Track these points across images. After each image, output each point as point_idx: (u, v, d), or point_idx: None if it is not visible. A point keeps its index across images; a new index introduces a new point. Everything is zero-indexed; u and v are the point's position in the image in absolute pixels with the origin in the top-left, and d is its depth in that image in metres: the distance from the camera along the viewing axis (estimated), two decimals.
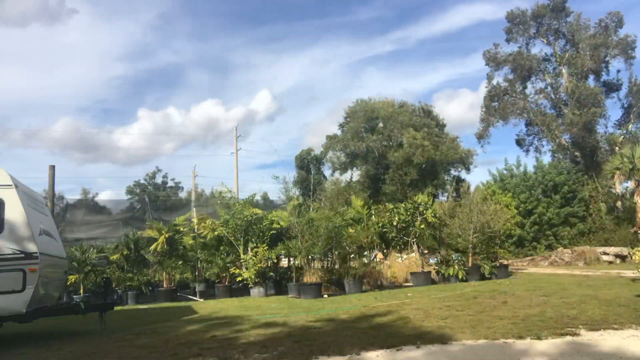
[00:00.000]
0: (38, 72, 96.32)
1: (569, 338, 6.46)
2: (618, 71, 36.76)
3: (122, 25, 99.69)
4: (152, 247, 18.01)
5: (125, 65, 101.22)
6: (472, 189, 27.63)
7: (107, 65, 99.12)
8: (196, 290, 18.31)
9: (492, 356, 5.72)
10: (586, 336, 6.51)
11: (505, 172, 33.74)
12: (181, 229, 19.71)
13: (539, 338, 6.47)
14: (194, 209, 26.28)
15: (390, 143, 37.93)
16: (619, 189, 32.72)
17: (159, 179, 57.52)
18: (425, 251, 20.87)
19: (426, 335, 6.98)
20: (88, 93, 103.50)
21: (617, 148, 33.63)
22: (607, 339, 6.28)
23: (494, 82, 38.09)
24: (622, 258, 24.21)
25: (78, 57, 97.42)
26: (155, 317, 11.65)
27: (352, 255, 17.44)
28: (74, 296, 16.00)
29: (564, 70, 36.11)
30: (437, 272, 17.35)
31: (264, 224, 17.57)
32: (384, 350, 6.22)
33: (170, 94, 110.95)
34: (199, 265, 19.32)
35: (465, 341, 6.55)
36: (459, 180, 36.11)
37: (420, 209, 18.31)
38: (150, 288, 18.28)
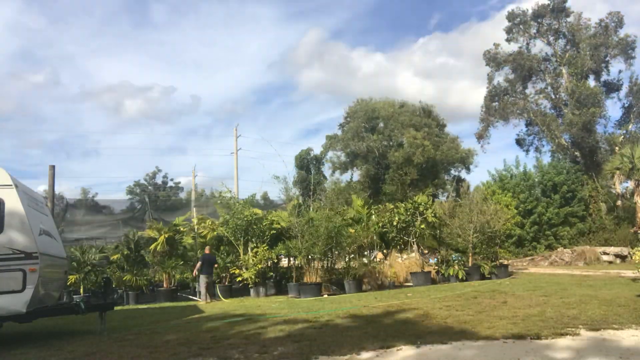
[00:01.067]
0: (199, 77, 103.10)
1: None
2: (620, 71, 36.78)
3: (290, 33, 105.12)
4: (152, 247, 18.01)
5: (266, 73, 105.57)
6: (472, 189, 27.62)
7: (253, 71, 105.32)
8: (196, 290, 18.31)
9: (494, 354, 5.73)
10: (586, 335, 6.52)
11: (504, 172, 33.75)
12: (181, 229, 19.72)
13: (539, 338, 6.47)
14: (194, 209, 26.27)
15: (391, 143, 37.93)
16: (619, 188, 32.77)
17: (159, 179, 57.60)
18: (425, 251, 20.88)
19: (426, 336, 6.97)
20: (225, 97, 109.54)
21: (617, 148, 33.61)
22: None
23: (495, 82, 38.11)
24: (622, 258, 24.21)
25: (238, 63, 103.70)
26: (155, 317, 11.66)
27: (352, 255, 17.43)
28: (74, 296, 16.00)
29: (564, 70, 36.08)
30: (437, 272, 17.35)
31: (264, 224, 17.58)
32: (383, 350, 6.22)
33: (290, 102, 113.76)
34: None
35: (465, 341, 6.55)
36: (459, 180, 36.12)
37: (420, 209, 18.30)
38: (150, 288, 18.29)
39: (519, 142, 39.03)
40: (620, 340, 6.23)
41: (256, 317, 10.21)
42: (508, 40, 38.03)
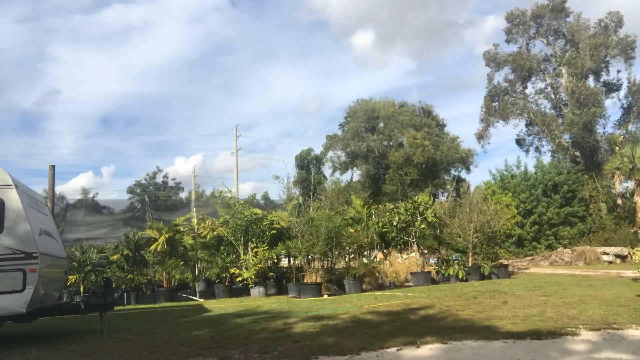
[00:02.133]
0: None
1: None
2: (618, 71, 36.75)
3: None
4: (152, 247, 18.00)
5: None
6: (472, 189, 27.62)
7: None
8: (196, 290, 18.31)
9: (494, 354, 5.73)
10: (586, 335, 6.52)
11: (505, 172, 33.76)
12: (181, 229, 19.70)
13: (538, 338, 6.47)
14: (194, 209, 26.26)
15: (391, 143, 37.97)
16: (619, 188, 32.79)
17: (159, 179, 57.59)
18: (426, 251, 20.89)
19: (426, 336, 6.97)
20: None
21: (617, 148, 33.62)
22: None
23: (494, 82, 38.12)
24: (622, 258, 24.22)
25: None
26: (155, 317, 11.65)
27: (352, 255, 17.43)
28: (75, 296, 16.00)
29: (564, 70, 36.07)
30: (437, 272, 17.35)
31: (264, 224, 17.57)
32: (383, 350, 6.22)
33: None
34: (199, 265, 19.32)
35: (465, 341, 6.56)
36: (459, 180, 36.14)
37: (421, 208, 18.30)
38: (150, 288, 18.27)
39: (519, 142, 39.07)
40: (620, 340, 6.23)
41: (256, 317, 10.21)
42: (507, 41, 38.11)
